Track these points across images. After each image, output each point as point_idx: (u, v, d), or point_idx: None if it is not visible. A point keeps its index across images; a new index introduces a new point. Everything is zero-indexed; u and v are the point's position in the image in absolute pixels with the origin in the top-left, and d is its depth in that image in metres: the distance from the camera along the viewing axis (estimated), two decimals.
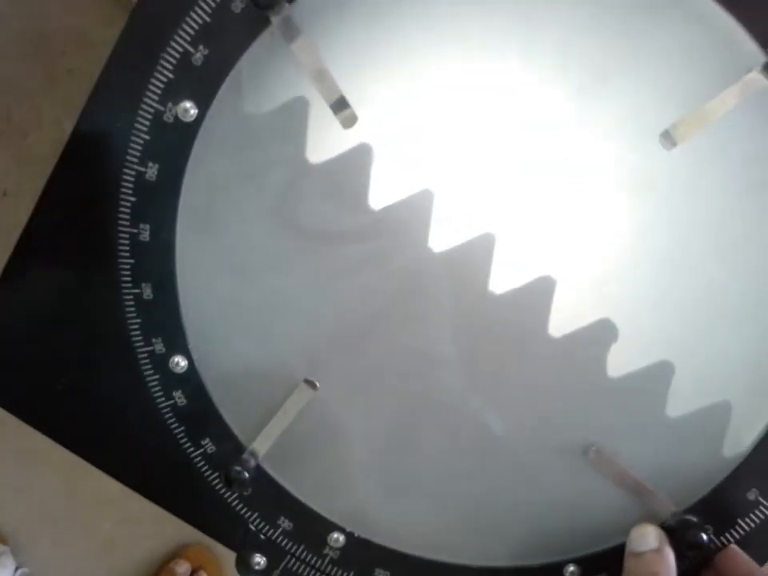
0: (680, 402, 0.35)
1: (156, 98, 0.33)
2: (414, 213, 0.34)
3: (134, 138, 0.34)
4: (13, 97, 1.00)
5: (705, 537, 0.35)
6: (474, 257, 0.34)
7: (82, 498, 1.05)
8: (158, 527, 1.06)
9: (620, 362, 0.35)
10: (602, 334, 0.35)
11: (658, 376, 0.35)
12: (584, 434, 0.36)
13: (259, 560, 0.39)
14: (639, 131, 0.33)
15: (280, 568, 0.39)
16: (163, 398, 0.37)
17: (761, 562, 0.36)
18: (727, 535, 0.36)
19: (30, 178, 1.00)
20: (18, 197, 1.00)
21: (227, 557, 1.04)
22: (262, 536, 0.38)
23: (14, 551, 1.03)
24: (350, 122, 0.33)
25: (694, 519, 0.35)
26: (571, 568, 0.37)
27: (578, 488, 0.37)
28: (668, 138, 0.32)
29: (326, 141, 0.34)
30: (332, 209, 0.34)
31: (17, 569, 1.02)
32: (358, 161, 0.34)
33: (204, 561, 1.05)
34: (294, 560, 0.38)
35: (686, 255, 0.34)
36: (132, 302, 0.36)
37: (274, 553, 0.39)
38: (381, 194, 0.34)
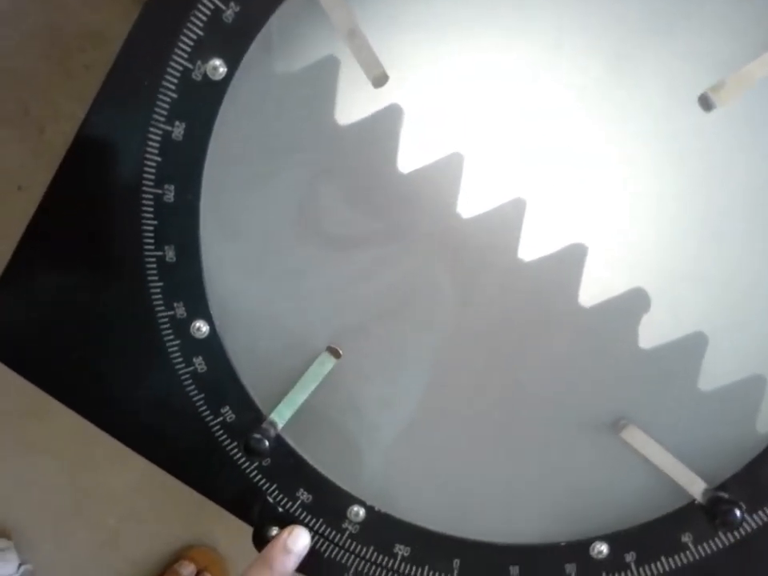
0: (713, 376, 0.34)
1: (185, 55, 0.33)
2: (443, 177, 0.34)
3: (161, 97, 0.33)
4: (30, 92, 1.01)
5: (738, 514, 0.34)
6: (504, 223, 0.34)
7: (86, 494, 1.04)
8: (163, 525, 1.05)
9: (652, 333, 0.34)
10: (633, 303, 0.34)
11: (691, 348, 0.34)
12: (613, 408, 0.35)
13: (276, 533, 0.38)
14: (677, 96, 0.32)
15: None
16: (183, 364, 0.36)
17: None
18: (760, 513, 0.35)
19: (46, 172, 1.00)
20: (33, 191, 1.00)
21: (232, 558, 1.03)
22: (280, 509, 0.38)
23: (18, 547, 1.02)
24: (381, 81, 0.33)
25: (727, 496, 0.34)
26: (599, 546, 0.36)
27: (607, 464, 0.36)
28: (706, 102, 0.32)
29: (355, 102, 0.33)
30: (361, 172, 0.34)
31: (20, 565, 1.01)
32: (387, 122, 0.33)
33: (209, 562, 1.04)
34: (312, 534, 0.37)
35: (723, 223, 0.33)
36: (154, 265, 0.35)
37: None
38: (410, 156, 0.34)
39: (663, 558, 0.36)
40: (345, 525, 0.37)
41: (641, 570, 0.36)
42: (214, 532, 1.05)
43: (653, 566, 0.36)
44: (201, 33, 0.33)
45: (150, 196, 0.35)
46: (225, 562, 1.04)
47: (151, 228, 0.35)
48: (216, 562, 1.04)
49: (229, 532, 1.04)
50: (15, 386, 0.97)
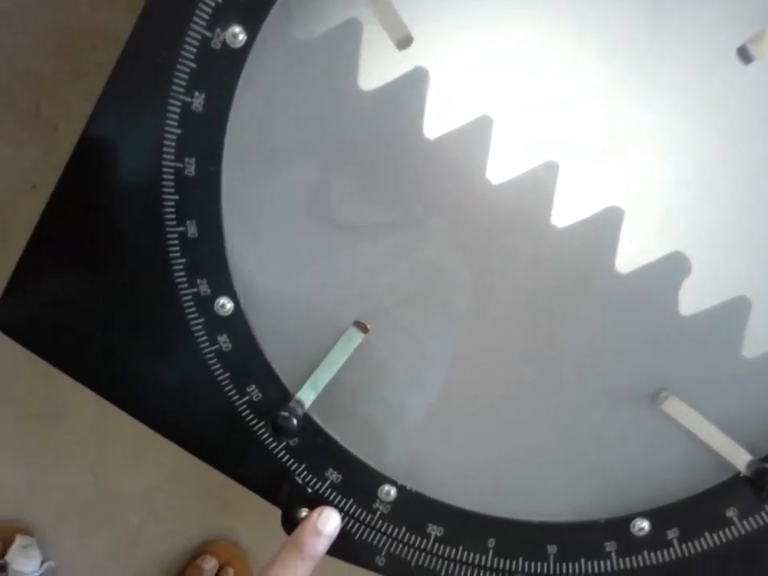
0: (756, 342, 0.33)
1: (204, 23, 0.32)
2: (471, 141, 0.33)
3: (179, 67, 0.33)
4: (42, 91, 1.01)
5: None
6: (536, 187, 0.33)
7: (108, 492, 1.04)
8: (184, 522, 1.05)
9: (692, 299, 0.33)
10: (673, 268, 0.33)
11: (734, 314, 0.33)
12: (653, 378, 0.34)
13: (305, 515, 0.37)
14: (715, 49, 0.31)
15: None
16: (207, 343, 0.35)
17: None
18: None
19: (59, 171, 1.00)
20: (47, 190, 1.00)
21: (254, 552, 1.03)
22: (309, 489, 0.37)
23: (40, 544, 1.02)
24: (405, 43, 0.32)
25: None
26: (640, 523, 0.35)
27: (647, 437, 0.35)
28: (746, 54, 0.30)
29: (379, 66, 0.32)
30: (385, 137, 0.33)
31: (43, 562, 1.01)
32: (412, 85, 0.32)
33: (230, 557, 1.04)
34: (342, 515, 0.37)
35: (764, 181, 0.32)
36: (176, 241, 0.35)
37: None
38: (436, 121, 0.33)
39: (707, 534, 0.35)
40: (376, 505, 0.36)
41: (684, 546, 0.35)
42: (235, 527, 1.04)
43: (696, 542, 0.35)
44: None
45: (171, 170, 0.34)
46: (247, 557, 1.04)
47: (172, 203, 0.34)
48: (238, 557, 1.04)
49: (250, 527, 1.03)
50: (37, 388, 0.98)
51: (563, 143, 0.32)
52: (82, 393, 1.00)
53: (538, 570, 0.36)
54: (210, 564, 1.01)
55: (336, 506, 0.37)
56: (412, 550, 0.37)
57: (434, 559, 0.37)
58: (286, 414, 0.35)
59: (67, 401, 1.01)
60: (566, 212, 0.33)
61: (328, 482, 0.36)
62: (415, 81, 0.32)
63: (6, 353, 0.96)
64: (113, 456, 1.03)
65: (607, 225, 0.32)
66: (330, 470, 0.36)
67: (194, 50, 0.32)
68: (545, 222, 0.33)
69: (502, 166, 0.33)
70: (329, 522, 0.36)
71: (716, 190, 0.32)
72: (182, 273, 0.35)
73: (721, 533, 0.34)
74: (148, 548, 1.05)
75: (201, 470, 1.00)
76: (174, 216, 0.34)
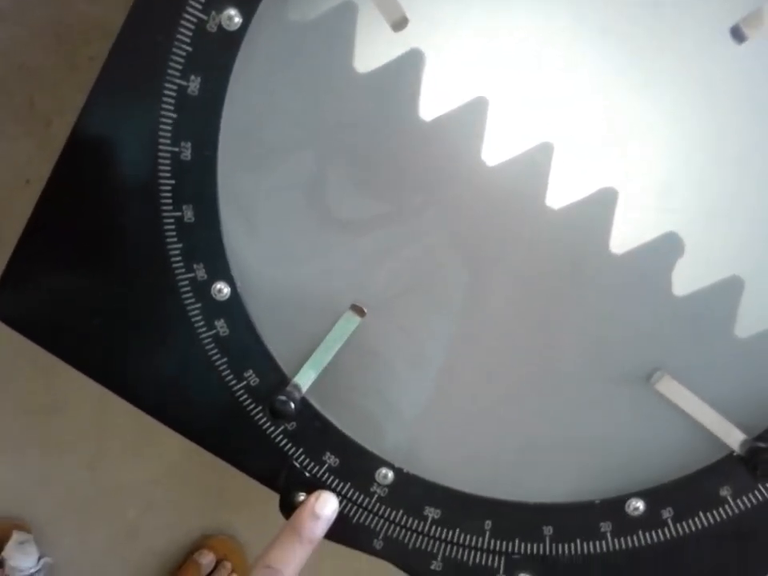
0: (750, 322, 0.33)
1: (199, 6, 0.32)
2: (466, 123, 0.33)
3: (175, 51, 0.33)
4: (36, 85, 1.01)
5: None
6: (531, 169, 0.33)
7: (105, 487, 1.04)
8: (182, 516, 1.05)
9: (686, 279, 0.33)
10: (666, 248, 0.33)
11: (727, 293, 0.33)
12: (647, 358, 0.34)
13: (303, 499, 0.37)
14: (708, 28, 0.31)
15: None
16: (205, 328, 0.36)
17: None
18: None
19: (53, 166, 1.00)
20: (41, 184, 0.99)
21: (251, 546, 1.03)
22: (307, 473, 0.37)
23: (38, 540, 1.02)
24: (401, 24, 0.32)
25: (766, 446, 0.33)
26: (634, 502, 0.35)
27: (642, 417, 0.35)
28: (739, 33, 0.30)
29: (374, 48, 0.33)
30: (381, 119, 0.33)
31: (40, 558, 1.01)
32: (408, 68, 0.32)
33: (228, 550, 1.04)
34: (340, 499, 0.37)
35: (757, 163, 0.32)
36: (173, 226, 0.35)
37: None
38: (432, 103, 0.33)
39: (701, 513, 0.35)
40: (373, 488, 0.37)
41: (678, 526, 0.35)
42: (232, 521, 1.05)
43: (691, 521, 0.35)
44: None
45: (167, 154, 0.34)
46: (244, 551, 1.04)
47: (168, 188, 0.34)
48: (235, 551, 1.04)
49: (248, 521, 1.04)
50: (34, 384, 0.98)
51: (558, 124, 0.32)
52: (79, 388, 1.00)
53: (535, 550, 0.36)
54: (207, 558, 1.01)
55: (333, 490, 0.37)
56: (409, 533, 0.37)
57: (432, 541, 0.37)
58: (283, 398, 0.35)
59: (65, 396, 1.01)
60: (560, 193, 0.33)
61: (325, 465, 0.37)
62: (411, 62, 0.32)
63: (4, 349, 0.97)
64: (110, 451, 1.03)
65: (601, 206, 0.33)
66: (328, 453, 0.37)
67: (190, 34, 0.32)
68: (539, 203, 0.33)
69: (497, 148, 0.33)
70: (326, 505, 0.36)
71: (708, 170, 0.32)
72: (179, 258, 0.35)
73: (715, 512, 0.35)
74: (146, 542, 1.06)
75: (198, 464, 1.01)
76: (170, 201, 0.34)
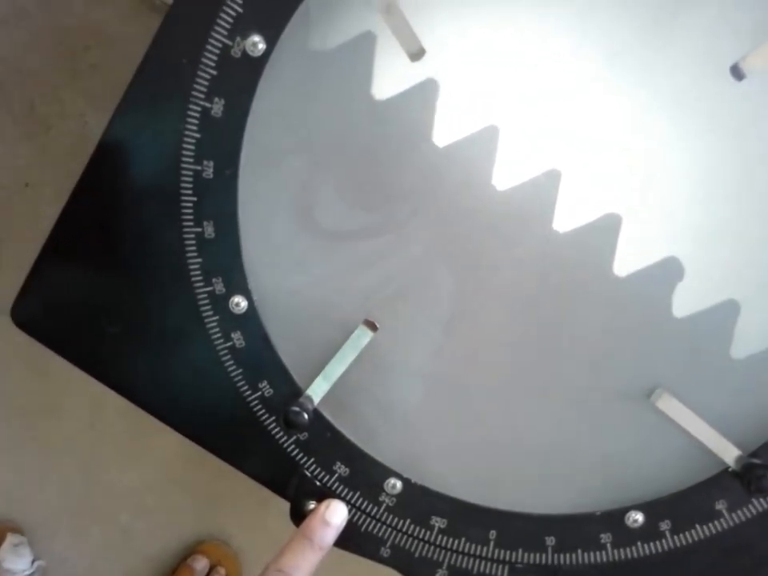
0: (745, 344, 0.35)
1: (224, 32, 0.33)
2: (478, 149, 0.34)
3: (200, 74, 0.34)
4: (36, 90, 1.01)
5: None
6: (539, 194, 0.34)
7: (98, 491, 1.05)
8: (175, 521, 1.05)
9: (685, 301, 0.35)
10: (668, 272, 0.34)
11: (724, 316, 0.35)
12: (647, 376, 0.36)
13: (313, 507, 0.38)
14: (709, 65, 0.33)
15: None
16: (221, 340, 0.37)
17: None
18: None
19: (53, 170, 1.01)
20: (40, 188, 1.00)
21: (245, 552, 1.03)
22: (317, 482, 0.38)
23: (31, 543, 1.02)
24: (418, 55, 0.33)
25: (760, 462, 0.35)
26: (634, 515, 0.36)
27: (641, 433, 0.36)
28: (737, 71, 0.32)
29: (391, 77, 0.34)
30: (396, 145, 0.34)
31: (33, 560, 1.01)
32: (423, 96, 0.34)
33: (221, 556, 1.04)
34: (349, 507, 0.38)
35: (755, 191, 0.34)
36: (193, 241, 0.36)
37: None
38: (445, 130, 0.34)
39: (698, 526, 0.36)
40: (382, 498, 0.38)
41: (676, 538, 0.37)
42: (226, 526, 1.05)
43: (688, 534, 0.37)
44: (240, 9, 0.33)
45: (190, 173, 0.35)
46: (237, 556, 1.04)
47: (190, 204, 0.35)
48: (229, 556, 1.04)
49: (242, 526, 1.04)
50: (29, 384, 0.98)
51: (565, 152, 0.34)
52: (74, 392, 1.00)
53: (537, 560, 0.37)
54: (201, 563, 1.02)
55: (343, 499, 0.38)
56: (416, 542, 0.38)
57: (438, 550, 0.38)
58: (297, 408, 0.36)
59: (59, 400, 1.01)
60: (567, 218, 0.34)
61: (336, 475, 0.38)
62: (426, 91, 0.34)
63: (1, 350, 0.97)
64: (105, 455, 1.04)
65: (606, 231, 0.34)
66: (338, 463, 0.38)
67: (215, 58, 0.34)
68: (547, 227, 0.34)
69: (507, 174, 0.34)
70: (336, 513, 0.37)
71: (708, 198, 0.34)
72: (198, 272, 0.36)
73: (711, 525, 0.36)
74: (139, 547, 1.06)
75: (192, 470, 1.01)
76: (191, 217, 0.36)
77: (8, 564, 0.96)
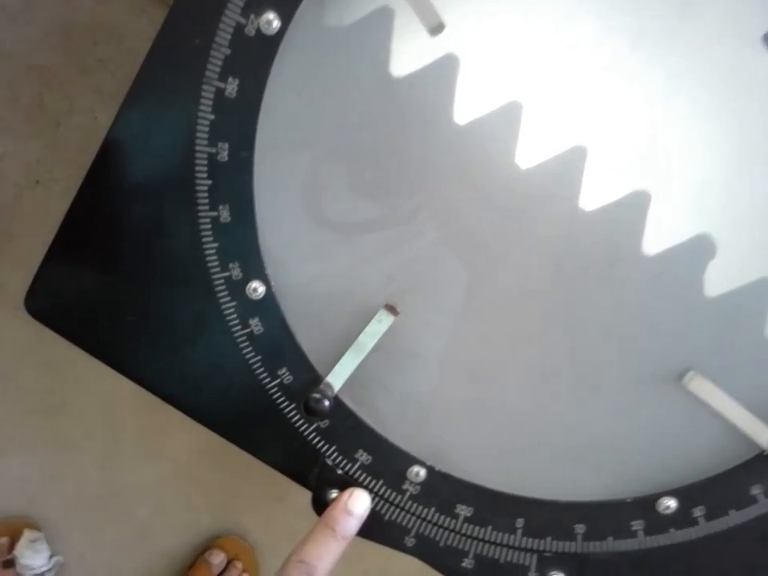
0: None
1: (238, 10, 0.32)
2: (500, 127, 0.33)
3: (214, 54, 0.33)
4: (45, 86, 1.01)
5: None
6: (564, 172, 0.33)
7: (115, 487, 1.05)
8: (191, 516, 1.05)
9: (717, 280, 0.33)
10: (698, 250, 0.33)
11: (757, 295, 0.33)
12: (679, 359, 0.35)
13: (335, 496, 0.37)
14: (740, 35, 0.31)
15: None
16: (239, 326, 0.36)
17: None
18: None
19: (63, 166, 1.00)
20: (50, 185, 1.00)
21: (262, 546, 1.03)
22: (339, 471, 0.37)
23: (49, 539, 1.03)
24: (438, 30, 0.32)
25: None
26: (666, 501, 0.35)
27: (674, 417, 0.35)
28: None
29: (410, 53, 0.33)
30: (416, 122, 0.33)
31: (51, 556, 1.01)
32: (443, 72, 0.33)
33: (238, 550, 1.04)
34: (372, 496, 0.37)
35: None
36: (209, 226, 0.35)
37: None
38: (466, 107, 0.33)
39: (733, 512, 0.35)
40: (405, 486, 0.37)
41: (710, 524, 0.35)
42: (243, 521, 1.05)
43: (722, 520, 0.35)
44: None
45: (204, 155, 0.34)
46: (254, 550, 1.04)
47: (205, 188, 0.35)
48: (245, 551, 1.04)
49: (258, 521, 1.04)
50: (44, 382, 0.98)
51: (591, 127, 0.33)
52: (89, 387, 1.00)
53: (566, 549, 0.36)
54: (218, 558, 1.01)
55: (366, 488, 0.37)
56: (441, 531, 0.37)
57: (463, 539, 0.37)
58: (318, 395, 0.35)
59: (74, 397, 1.01)
60: (593, 196, 0.33)
61: (358, 463, 0.37)
62: (446, 67, 0.33)
63: (14, 349, 0.97)
64: (121, 451, 1.04)
65: (634, 208, 0.33)
66: (360, 451, 0.37)
67: (229, 37, 0.33)
68: (573, 206, 0.33)
69: (530, 152, 0.33)
70: (359, 502, 0.36)
71: (739, 173, 0.33)
72: (215, 257, 0.35)
73: (746, 510, 0.35)
74: (156, 542, 1.06)
75: (209, 465, 1.01)
76: (206, 201, 0.35)
77: (25, 560, 0.97)
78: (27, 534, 0.99)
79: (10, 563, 0.96)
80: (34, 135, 1.02)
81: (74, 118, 1.00)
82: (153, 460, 1.03)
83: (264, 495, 1.02)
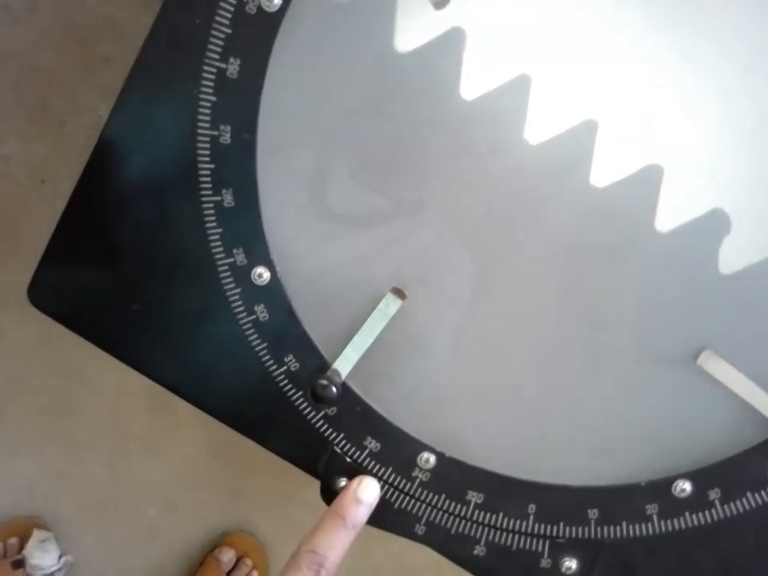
0: None
1: None
2: (509, 102, 0.32)
3: (214, 33, 0.32)
4: (49, 86, 1.01)
5: None
6: (575, 147, 0.32)
7: (125, 485, 1.05)
8: (201, 514, 1.05)
9: (732, 256, 0.33)
10: (713, 226, 0.32)
11: None
12: (693, 337, 0.34)
13: (344, 484, 0.37)
14: (755, 8, 0.31)
15: None
16: (245, 313, 0.35)
17: None
18: None
19: (68, 166, 1.00)
20: (56, 184, 1.00)
21: (272, 543, 1.03)
22: (348, 459, 0.36)
23: (58, 539, 1.03)
24: (442, 3, 0.31)
25: None
26: (681, 484, 0.35)
27: (688, 397, 0.34)
28: None
29: (414, 27, 0.32)
30: (422, 99, 0.33)
31: (60, 556, 1.01)
32: (449, 47, 0.32)
33: (248, 547, 1.04)
34: (381, 484, 0.36)
35: None
36: (212, 211, 0.34)
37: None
38: (473, 82, 0.32)
39: (749, 494, 0.34)
40: (415, 473, 0.36)
41: (726, 507, 0.35)
42: (252, 518, 1.04)
43: (738, 502, 0.35)
44: None
45: (206, 139, 0.34)
46: (264, 548, 1.04)
47: (208, 172, 0.34)
48: (255, 547, 1.04)
49: (268, 518, 1.04)
50: (52, 382, 0.98)
51: (601, 101, 0.32)
52: (98, 387, 1.00)
53: (580, 534, 0.36)
54: (228, 555, 1.01)
55: (375, 475, 0.36)
56: (452, 518, 0.37)
57: (474, 526, 0.37)
58: (324, 382, 0.34)
59: (82, 397, 1.01)
60: (605, 171, 0.32)
61: (366, 450, 0.36)
62: (452, 41, 0.32)
63: (24, 349, 0.97)
64: (129, 450, 1.04)
65: (647, 183, 0.32)
66: (369, 438, 0.36)
67: (229, 15, 0.32)
68: (584, 181, 0.33)
69: (540, 127, 0.32)
70: (368, 490, 0.36)
71: (755, 146, 0.32)
72: (219, 243, 0.35)
73: (763, 492, 0.34)
74: (166, 540, 1.06)
75: (218, 462, 1.01)
76: (209, 185, 0.34)
77: (35, 560, 0.97)
78: (36, 534, 0.99)
79: (19, 563, 0.96)
80: (39, 135, 1.02)
81: (78, 117, 1.00)
82: (162, 459, 1.03)
83: (274, 492, 1.02)
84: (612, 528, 0.35)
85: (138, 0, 0.96)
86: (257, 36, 0.32)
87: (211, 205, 0.34)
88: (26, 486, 1.04)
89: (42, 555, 0.98)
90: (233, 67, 0.33)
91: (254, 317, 0.35)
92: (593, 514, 0.36)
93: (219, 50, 0.33)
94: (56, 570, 0.98)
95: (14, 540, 0.98)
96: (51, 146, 1.02)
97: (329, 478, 0.37)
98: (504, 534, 0.36)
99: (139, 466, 1.04)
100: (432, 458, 0.36)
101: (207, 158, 0.34)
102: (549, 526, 0.36)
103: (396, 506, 0.37)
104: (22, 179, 1.02)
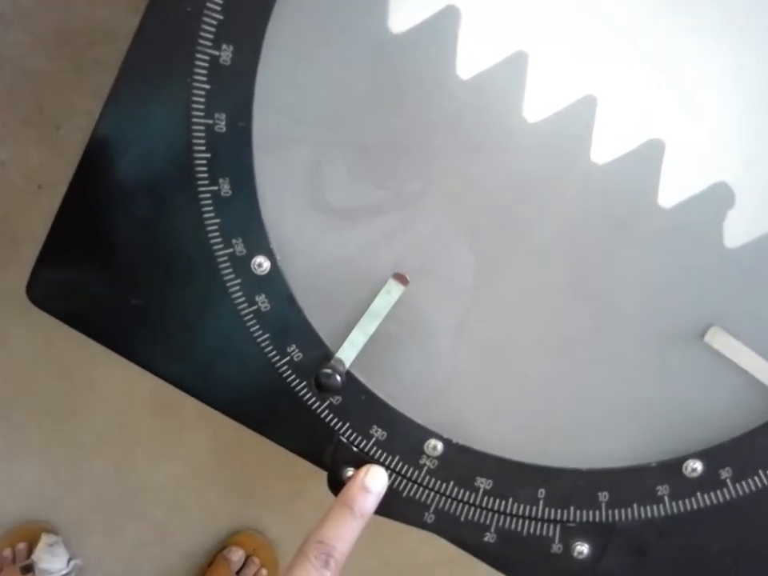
0: None
1: None
2: (506, 79, 0.32)
3: (206, 20, 0.32)
4: (44, 91, 1.01)
5: None
6: (574, 123, 0.32)
7: (132, 487, 1.04)
8: (209, 514, 1.05)
9: (737, 230, 0.32)
10: (717, 199, 0.32)
11: None
12: (700, 314, 0.33)
13: (351, 474, 0.36)
14: None
15: None
16: (246, 304, 0.35)
17: None
18: None
19: (64, 169, 1.00)
20: (53, 189, 1.00)
21: (280, 541, 1.02)
22: (354, 448, 0.36)
23: (66, 542, 1.02)
24: None
25: None
26: (692, 464, 0.34)
27: (696, 375, 0.34)
28: None
29: (409, 6, 0.32)
30: (418, 80, 0.32)
31: (69, 560, 1.01)
32: (444, 25, 0.32)
33: (257, 546, 1.03)
34: (389, 472, 0.36)
35: None
36: (209, 201, 0.34)
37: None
38: (469, 60, 0.32)
39: (761, 472, 0.34)
40: (422, 460, 0.36)
41: (738, 486, 0.34)
42: (261, 517, 1.04)
43: (750, 481, 0.34)
44: None
45: (201, 128, 0.33)
46: (272, 546, 1.03)
47: (204, 161, 0.34)
48: (264, 546, 1.03)
49: (276, 516, 1.03)
50: (57, 385, 0.98)
51: (600, 77, 0.32)
52: (103, 390, 1.00)
53: (590, 517, 0.35)
54: (236, 555, 1.01)
55: (382, 464, 0.36)
56: (461, 505, 0.36)
57: (484, 513, 0.36)
58: (328, 371, 0.34)
59: (87, 400, 1.01)
60: (606, 148, 0.32)
61: (373, 439, 0.36)
62: (447, 19, 0.32)
63: (29, 352, 0.96)
64: (136, 452, 1.03)
65: (648, 158, 0.32)
66: (375, 427, 0.36)
67: (221, 1, 0.32)
68: (585, 158, 0.32)
69: (538, 104, 0.32)
70: (376, 479, 0.35)
71: (758, 117, 0.31)
72: (217, 233, 0.34)
73: None
74: (174, 542, 1.05)
75: (224, 462, 1.01)
76: (206, 175, 0.34)
77: (44, 564, 0.96)
78: (45, 539, 0.99)
79: (28, 568, 0.96)
80: (34, 139, 1.01)
81: (73, 120, 1.00)
82: (169, 460, 1.03)
83: (282, 490, 1.02)
84: (623, 510, 0.35)
85: (129, 3, 0.96)
86: (249, 21, 0.32)
87: (208, 195, 0.34)
88: (33, 490, 1.03)
89: (51, 559, 0.98)
90: (226, 54, 0.32)
91: (255, 307, 0.35)
92: (603, 496, 0.35)
93: (211, 36, 0.32)
94: (65, 574, 0.98)
95: (22, 545, 0.97)
96: (47, 150, 1.02)
97: (336, 468, 0.36)
98: (514, 520, 0.36)
99: (146, 468, 1.04)
100: (439, 445, 0.36)
101: (203, 148, 0.33)
102: (559, 511, 0.36)
103: (404, 494, 0.36)
104: (19, 184, 1.01)
